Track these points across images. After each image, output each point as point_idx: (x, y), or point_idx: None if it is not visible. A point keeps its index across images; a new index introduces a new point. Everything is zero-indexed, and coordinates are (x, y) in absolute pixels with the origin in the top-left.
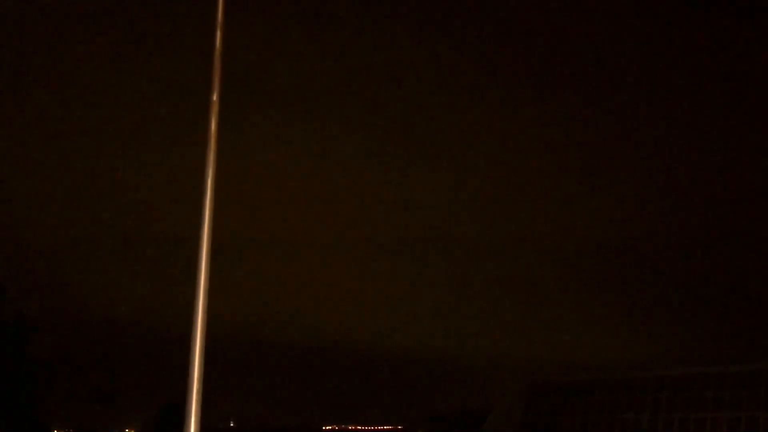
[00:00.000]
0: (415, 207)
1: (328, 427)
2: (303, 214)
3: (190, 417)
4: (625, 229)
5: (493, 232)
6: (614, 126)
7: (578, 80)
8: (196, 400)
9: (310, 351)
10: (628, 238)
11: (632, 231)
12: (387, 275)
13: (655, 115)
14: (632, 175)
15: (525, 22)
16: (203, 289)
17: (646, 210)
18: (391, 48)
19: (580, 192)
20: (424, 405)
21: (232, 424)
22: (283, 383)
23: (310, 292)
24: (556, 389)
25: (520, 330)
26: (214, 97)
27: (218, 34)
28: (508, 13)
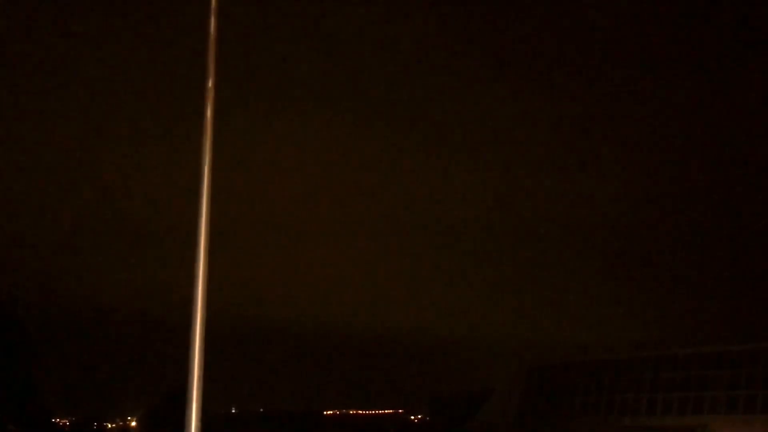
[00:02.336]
0: (413, 193)
1: (329, 412)
2: (302, 201)
3: (192, 404)
4: (626, 213)
5: (488, 218)
6: (614, 118)
7: (588, 74)
8: (197, 387)
9: (310, 337)
10: (629, 221)
11: (634, 214)
12: (386, 261)
13: (661, 108)
14: (632, 164)
15: (535, 17)
16: (202, 276)
17: (645, 195)
18: (392, 38)
19: (575, 180)
20: (424, 388)
21: (233, 410)
22: (285, 369)
23: (310, 278)
24: (555, 370)
25: (519, 313)
26: (210, 84)
27: (212, 20)
28: (513, 7)
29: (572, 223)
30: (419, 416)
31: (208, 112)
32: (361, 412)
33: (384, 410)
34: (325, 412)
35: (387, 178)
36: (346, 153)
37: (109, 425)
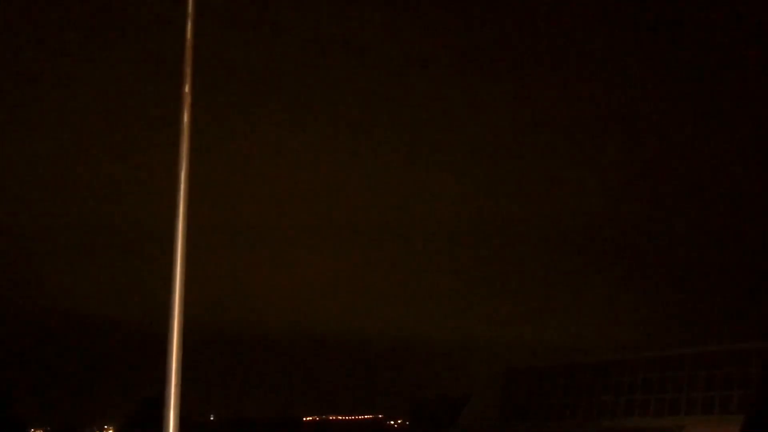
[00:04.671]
0: (392, 198)
1: (308, 418)
2: (282, 207)
3: (169, 411)
4: (603, 215)
5: (467, 217)
6: (601, 111)
7: (568, 68)
8: (175, 394)
9: (289, 342)
10: (607, 222)
11: (612, 216)
12: (365, 265)
13: (647, 102)
14: (613, 163)
15: (514, 11)
16: (179, 281)
17: (624, 195)
18: (376, 41)
19: (554, 179)
20: (403, 393)
21: (212, 417)
22: (263, 375)
23: (290, 283)
24: (534, 373)
25: (498, 316)
26: (186, 89)
27: (189, 24)
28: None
29: (551, 225)
30: (399, 421)
31: (185, 118)
32: (341, 417)
33: (364, 416)
34: (304, 418)
35: (366, 183)
36: (327, 158)
37: None
